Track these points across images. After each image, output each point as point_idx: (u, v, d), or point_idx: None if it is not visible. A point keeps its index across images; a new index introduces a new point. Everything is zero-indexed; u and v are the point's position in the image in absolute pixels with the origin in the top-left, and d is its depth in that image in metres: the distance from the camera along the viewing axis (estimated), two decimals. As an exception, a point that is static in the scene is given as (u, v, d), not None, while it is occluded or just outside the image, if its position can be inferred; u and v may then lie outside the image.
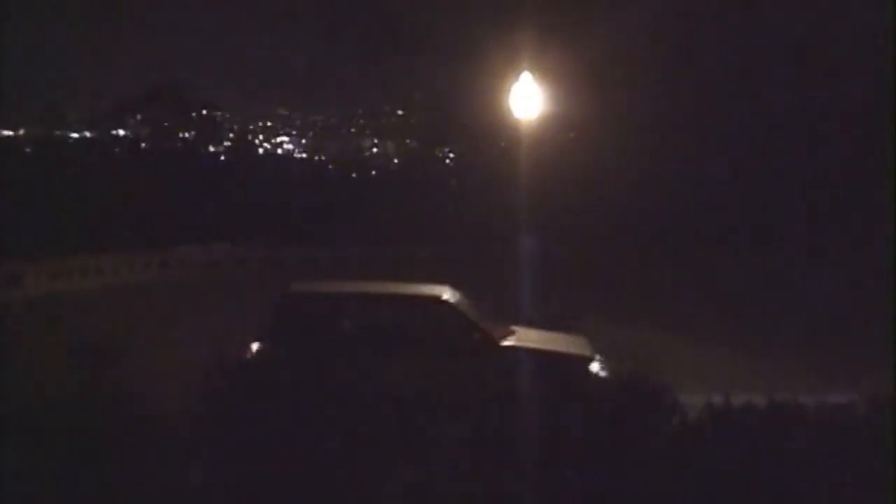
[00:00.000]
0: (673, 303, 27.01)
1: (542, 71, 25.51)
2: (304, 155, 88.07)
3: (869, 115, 38.28)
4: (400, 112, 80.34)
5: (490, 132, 45.12)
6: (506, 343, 13.73)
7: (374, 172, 72.68)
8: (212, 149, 68.20)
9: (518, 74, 22.41)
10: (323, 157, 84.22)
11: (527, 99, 22.14)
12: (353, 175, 69.38)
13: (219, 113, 73.14)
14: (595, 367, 13.44)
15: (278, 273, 37.46)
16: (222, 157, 68.82)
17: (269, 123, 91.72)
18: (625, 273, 34.30)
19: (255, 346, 13.16)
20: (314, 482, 8.16)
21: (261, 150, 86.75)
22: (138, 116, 64.18)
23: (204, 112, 66.94)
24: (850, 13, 38.54)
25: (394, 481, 8.11)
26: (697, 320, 23.20)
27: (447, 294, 14.13)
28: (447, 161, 66.55)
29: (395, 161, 78.15)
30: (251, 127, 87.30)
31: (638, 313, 23.51)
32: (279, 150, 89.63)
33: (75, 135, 69.09)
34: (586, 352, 13.90)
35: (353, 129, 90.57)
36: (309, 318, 13.55)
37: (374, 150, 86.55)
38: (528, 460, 8.38)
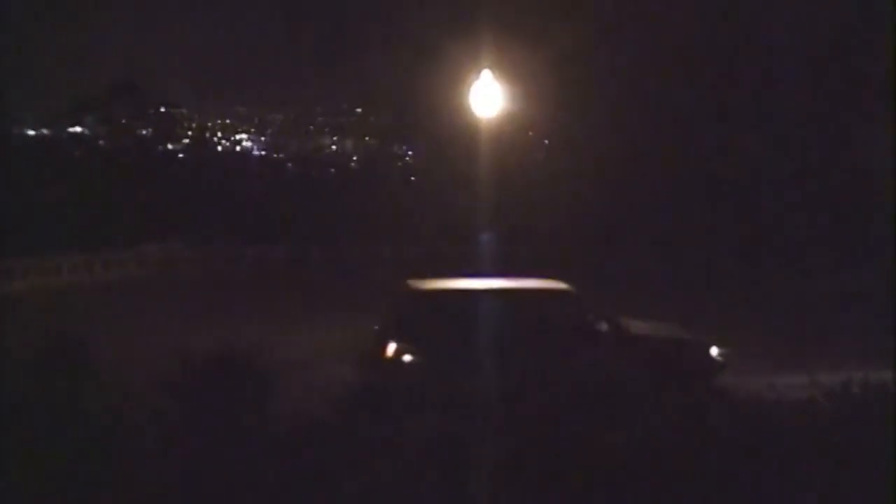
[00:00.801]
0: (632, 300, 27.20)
1: (504, 69, 25.62)
2: (263, 153, 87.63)
3: (836, 109, 38.66)
4: (358, 110, 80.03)
5: (450, 130, 45.14)
6: (632, 332, 13.95)
7: (332, 170, 72.49)
8: (170, 146, 67.65)
9: (479, 72, 22.50)
10: (282, 155, 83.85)
11: (488, 97, 22.24)
12: (312, 173, 69.13)
13: (177, 110, 72.51)
14: (714, 351, 13.77)
15: (237, 271, 37.39)
16: (180, 155, 68.38)
17: (227, 121, 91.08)
18: (582, 271, 34.44)
19: (392, 347, 13.06)
20: (494, 475, 8.12)
21: (219, 148, 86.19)
22: (96, 114, 63.45)
23: (162, 109, 66.27)
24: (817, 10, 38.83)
25: (560, 474, 8.13)
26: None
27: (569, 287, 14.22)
28: (406, 159, 66.50)
29: (354, 159, 77.96)
30: (210, 124, 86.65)
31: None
32: (238, 148, 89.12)
33: (32, 132, 68.35)
34: (704, 338, 14.24)
35: (311, 128, 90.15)
36: (441, 315, 13.40)
37: (333, 147, 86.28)
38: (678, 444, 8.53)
